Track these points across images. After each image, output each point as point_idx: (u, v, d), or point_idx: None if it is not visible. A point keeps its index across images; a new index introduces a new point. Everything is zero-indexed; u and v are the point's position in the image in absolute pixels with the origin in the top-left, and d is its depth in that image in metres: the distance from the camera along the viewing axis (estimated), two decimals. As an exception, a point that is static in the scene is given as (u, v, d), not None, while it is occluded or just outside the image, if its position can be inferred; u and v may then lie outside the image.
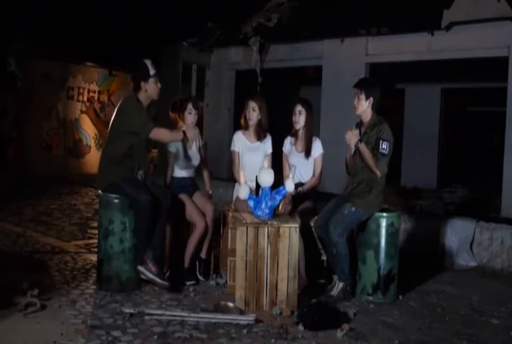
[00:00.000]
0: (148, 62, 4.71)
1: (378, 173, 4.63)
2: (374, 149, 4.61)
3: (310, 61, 9.20)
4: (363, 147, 4.58)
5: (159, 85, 4.74)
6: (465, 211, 7.01)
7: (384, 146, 4.57)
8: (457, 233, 6.22)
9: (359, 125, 4.85)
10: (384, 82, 10.27)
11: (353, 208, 4.66)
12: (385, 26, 7.96)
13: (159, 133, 4.63)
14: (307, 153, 5.21)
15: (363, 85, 4.81)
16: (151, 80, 4.68)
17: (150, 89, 4.70)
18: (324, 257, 5.07)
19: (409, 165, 11.17)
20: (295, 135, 5.33)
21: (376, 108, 4.75)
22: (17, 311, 3.99)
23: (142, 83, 4.68)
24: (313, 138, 5.27)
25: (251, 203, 4.53)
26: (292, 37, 9.10)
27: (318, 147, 5.26)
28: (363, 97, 4.72)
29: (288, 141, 5.37)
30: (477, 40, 7.24)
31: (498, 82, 8.13)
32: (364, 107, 4.73)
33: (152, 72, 4.68)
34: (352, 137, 4.60)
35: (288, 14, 9.58)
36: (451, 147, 12.14)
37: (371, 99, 4.71)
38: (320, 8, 9.13)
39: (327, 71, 8.79)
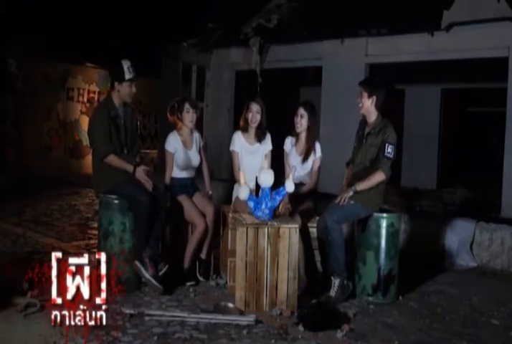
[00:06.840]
0: (126, 65, 4.68)
1: (384, 177, 4.67)
2: (379, 152, 4.65)
3: (310, 61, 9.21)
4: (359, 187, 4.63)
5: (134, 89, 4.73)
6: (464, 212, 7.01)
7: (390, 150, 4.61)
8: (457, 233, 6.22)
9: (362, 124, 4.89)
10: (384, 82, 10.30)
11: (352, 202, 4.67)
12: (385, 27, 7.96)
13: (110, 160, 4.61)
14: (306, 157, 5.20)
15: (366, 83, 4.87)
16: (125, 84, 4.68)
17: (122, 92, 4.70)
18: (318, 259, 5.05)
19: (409, 166, 11.17)
20: (296, 135, 5.31)
21: (380, 108, 4.76)
22: (17, 311, 3.99)
23: (116, 83, 4.70)
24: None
25: (251, 204, 4.52)
26: (292, 38, 9.10)
27: (316, 151, 5.25)
28: (365, 95, 4.75)
29: (289, 141, 5.34)
30: (477, 40, 7.24)
31: (498, 82, 8.13)
32: (367, 104, 4.75)
33: (128, 76, 4.66)
34: (344, 195, 4.65)
35: (288, 15, 9.59)
36: (451, 148, 12.14)
37: (374, 98, 4.73)
38: (320, 8, 9.13)
39: (327, 71, 8.79)
